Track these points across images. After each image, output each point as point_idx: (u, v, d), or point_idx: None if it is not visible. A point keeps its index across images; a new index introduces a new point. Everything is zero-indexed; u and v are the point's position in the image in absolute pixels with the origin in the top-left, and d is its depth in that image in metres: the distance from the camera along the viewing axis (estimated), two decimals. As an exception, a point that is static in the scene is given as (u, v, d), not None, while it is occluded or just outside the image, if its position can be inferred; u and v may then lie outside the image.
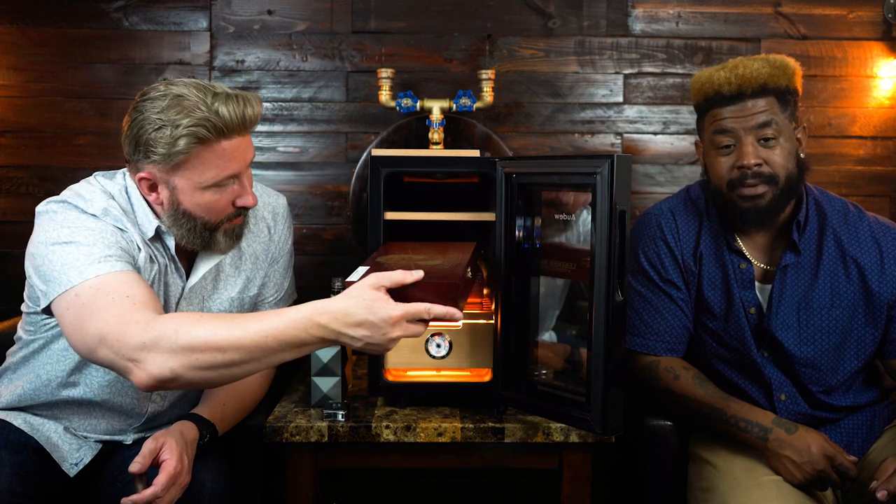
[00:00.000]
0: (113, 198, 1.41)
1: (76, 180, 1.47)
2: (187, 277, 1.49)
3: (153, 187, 1.39)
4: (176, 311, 1.47)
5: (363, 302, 1.17)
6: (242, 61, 2.20)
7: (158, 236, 1.44)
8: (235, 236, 1.47)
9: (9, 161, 2.20)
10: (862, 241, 1.57)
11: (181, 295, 1.48)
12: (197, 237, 1.42)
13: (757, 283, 1.59)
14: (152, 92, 1.36)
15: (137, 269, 1.37)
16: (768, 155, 1.50)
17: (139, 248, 1.40)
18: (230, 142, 1.36)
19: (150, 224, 1.41)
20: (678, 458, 1.62)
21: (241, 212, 1.45)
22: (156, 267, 1.43)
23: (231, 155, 1.37)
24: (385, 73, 1.99)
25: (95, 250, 1.30)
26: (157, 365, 1.17)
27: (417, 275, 1.20)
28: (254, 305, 1.62)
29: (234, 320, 1.19)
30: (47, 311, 1.34)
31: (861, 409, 1.60)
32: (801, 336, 1.55)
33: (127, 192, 1.44)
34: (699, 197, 1.66)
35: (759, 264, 1.60)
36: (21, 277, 1.48)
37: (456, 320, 1.21)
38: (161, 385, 1.19)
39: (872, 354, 1.58)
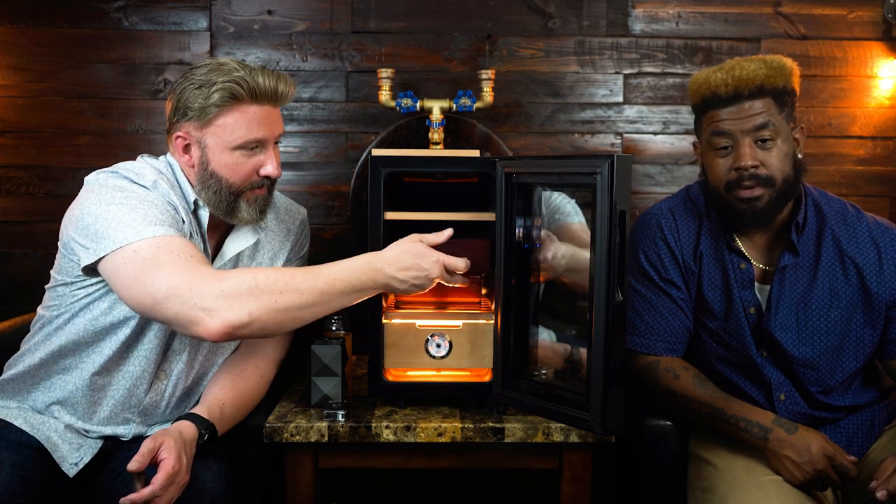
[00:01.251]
0: (161, 172, 1.49)
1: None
2: (212, 261, 1.55)
3: (187, 148, 1.49)
4: None
5: (410, 249, 1.42)
6: (242, 61, 2.20)
7: (195, 212, 1.51)
8: (258, 209, 1.53)
9: (9, 161, 2.20)
10: (860, 241, 1.57)
11: None
12: (222, 201, 1.49)
13: (756, 284, 1.59)
14: (198, 63, 1.52)
15: None
16: (765, 157, 1.50)
17: (184, 221, 1.47)
18: (261, 107, 1.47)
19: (190, 198, 1.50)
20: (678, 458, 1.62)
21: (265, 182, 1.52)
22: (194, 242, 1.48)
23: (260, 120, 1.47)
24: (385, 73, 1.99)
25: (151, 213, 1.38)
26: (234, 310, 1.27)
27: (448, 233, 1.48)
28: None
29: (300, 269, 1.36)
30: (88, 270, 1.39)
31: (860, 409, 1.60)
32: (799, 337, 1.55)
33: (171, 169, 1.52)
34: (699, 197, 1.66)
35: (758, 265, 1.60)
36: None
37: (461, 270, 1.45)
38: (233, 332, 1.29)
39: (871, 355, 1.58)
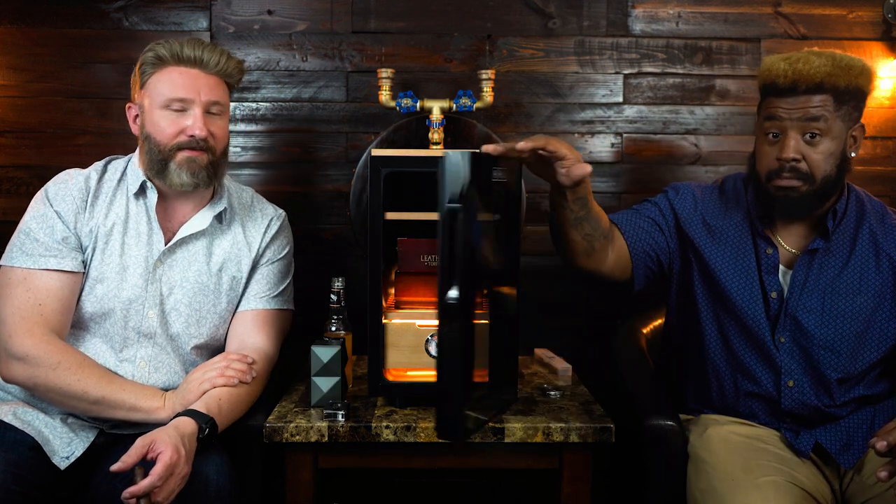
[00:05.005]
0: (106, 170, 1.63)
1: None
2: (166, 243, 1.60)
3: (137, 117, 1.62)
4: (153, 275, 1.59)
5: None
6: (242, 61, 2.20)
7: (143, 192, 1.60)
8: (190, 173, 1.57)
9: (9, 161, 2.20)
10: None
11: (158, 257, 1.58)
12: (154, 162, 1.58)
13: (784, 269, 1.62)
14: None
15: (84, 250, 1.55)
16: (809, 152, 1.52)
17: (112, 214, 1.57)
18: (186, 70, 1.58)
19: (137, 180, 1.60)
20: (678, 458, 1.61)
21: (193, 143, 1.56)
22: (132, 225, 1.59)
23: (183, 81, 1.57)
24: (385, 73, 1.99)
25: (34, 245, 1.51)
26: (21, 376, 1.46)
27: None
28: (233, 292, 1.67)
29: (102, 377, 1.47)
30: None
31: (865, 405, 1.61)
32: (823, 319, 1.58)
33: (128, 162, 1.65)
34: (738, 188, 1.70)
35: (791, 249, 1.62)
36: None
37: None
38: (15, 384, 1.49)
39: (892, 349, 1.59)
